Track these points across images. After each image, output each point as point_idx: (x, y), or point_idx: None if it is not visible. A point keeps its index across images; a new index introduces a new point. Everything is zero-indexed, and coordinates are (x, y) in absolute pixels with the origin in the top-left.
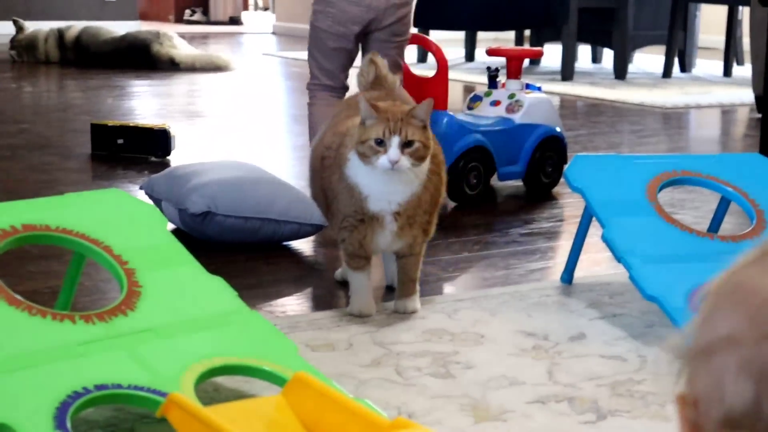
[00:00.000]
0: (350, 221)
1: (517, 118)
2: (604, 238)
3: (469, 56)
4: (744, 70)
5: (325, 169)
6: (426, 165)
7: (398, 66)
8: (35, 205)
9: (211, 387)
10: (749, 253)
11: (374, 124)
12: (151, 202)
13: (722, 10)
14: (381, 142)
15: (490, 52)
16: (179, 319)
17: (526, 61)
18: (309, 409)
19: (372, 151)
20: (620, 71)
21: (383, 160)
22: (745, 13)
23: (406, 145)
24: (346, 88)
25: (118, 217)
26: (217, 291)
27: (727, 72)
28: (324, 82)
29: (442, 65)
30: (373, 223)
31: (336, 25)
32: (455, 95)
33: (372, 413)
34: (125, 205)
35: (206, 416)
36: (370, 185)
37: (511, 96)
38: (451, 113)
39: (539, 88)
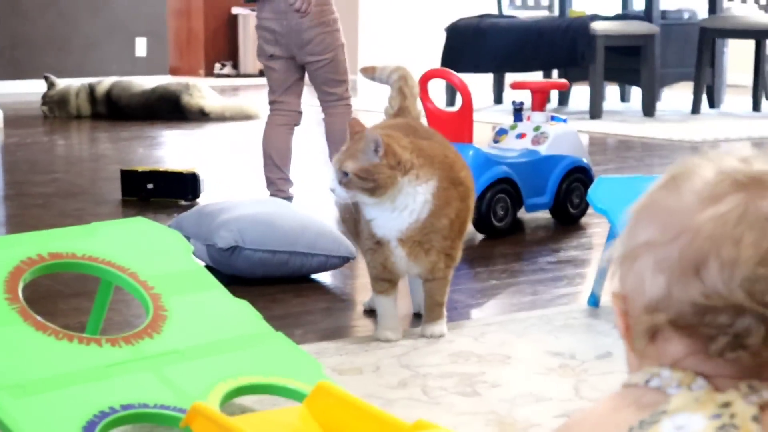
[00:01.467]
0: (369, 243)
1: (543, 149)
2: None
3: (498, 98)
4: None
5: None
6: (424, 192)
7: (329, 91)
8: (61, 234)
9: (238, 409)
10: (659, 179)
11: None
12: None
13: (750, 48)
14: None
15: (515, 86)
16: (205, 341)
17: (555, 102)
18: (331, 417)
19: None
20: (648, 108)
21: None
22: None
23: (343, 175)
24: (293, 110)
25: (143, 244)
26: (242, 314)
27: (756, 107)
28: (271, 106)
29: (466, 99)
30: (386, 247)
31: (261, 47)
32: (484, 136)
33: (393, 417)
34: (150, 233)
35: (230, 424)
36: (372, 211)
37: (537, 128)
38: (476, 146)
39: (565, 120)
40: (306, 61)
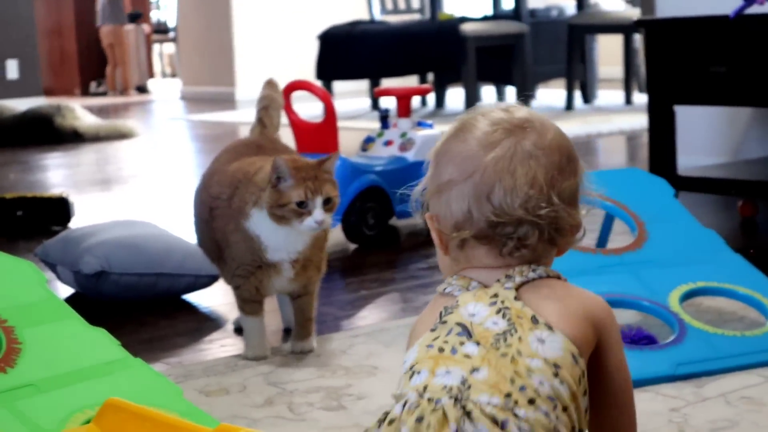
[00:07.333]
0: (247, 269)
1: (411, 155)
2: None
3: (375, 105)
4: (646, 97)
5: (215, 219)
6: None
7: None
8: None
9: None
10: (449, 130)
11: (292, 187)
12: (44, 266)
13: (619, 42)
14: (302, 204)
15: (378, 93)
16: (60, 372)
17: (431, 105)
18: None
19: (294, 214)
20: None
21: (309, 222)
22: (639, 40)
23: (325, 202)
24: None
25: None
26: (98, 342)
27: (629, 100)
28: None
29: (329, 109)
30: (269, 269)
31: None
32: (359, 143)
33: (194, 425)
34: (1, 265)
35: None
36: (272, 237)
37: (403, 135)
38: (343, 156)
39: (431, 125)
40: None
